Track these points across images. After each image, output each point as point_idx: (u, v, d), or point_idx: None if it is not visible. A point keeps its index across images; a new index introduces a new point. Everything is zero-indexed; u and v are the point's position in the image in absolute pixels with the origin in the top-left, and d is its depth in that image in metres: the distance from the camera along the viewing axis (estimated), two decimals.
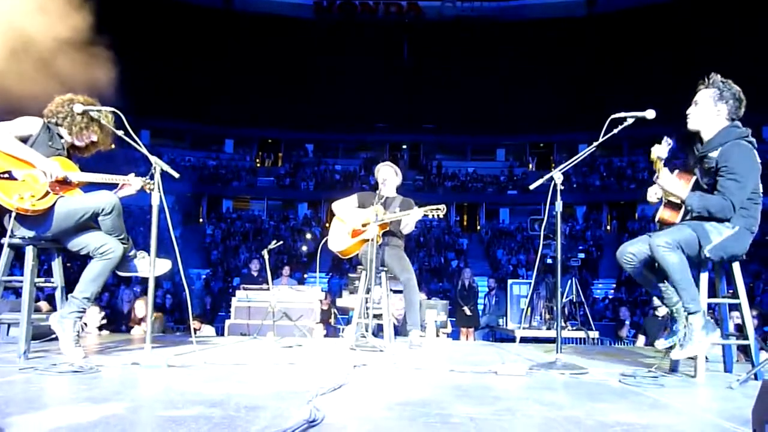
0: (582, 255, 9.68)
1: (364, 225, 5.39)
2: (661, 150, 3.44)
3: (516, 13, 32.83)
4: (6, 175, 3.45)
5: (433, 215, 5.17)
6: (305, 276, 21.20)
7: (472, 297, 12.00)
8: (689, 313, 3.34)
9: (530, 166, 34.89)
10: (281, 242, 7.59)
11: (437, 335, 7.31)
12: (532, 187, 3.90)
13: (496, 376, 3.33)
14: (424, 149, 35.71)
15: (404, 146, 36.25)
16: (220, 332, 8.45)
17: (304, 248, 26.67)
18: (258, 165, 35.46)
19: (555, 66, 30.45)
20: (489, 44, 30.88)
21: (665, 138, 3.48)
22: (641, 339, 7.89)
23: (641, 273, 3.64)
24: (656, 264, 3.42)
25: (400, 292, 5.94)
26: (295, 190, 33.13)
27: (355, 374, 3.28)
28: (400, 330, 6.73)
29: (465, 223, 33.65)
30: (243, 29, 31.50)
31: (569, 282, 8.94)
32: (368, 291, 5.06)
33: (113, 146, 3.97)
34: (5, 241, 3.54)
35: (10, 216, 3.49)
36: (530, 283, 8.93)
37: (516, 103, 30.55)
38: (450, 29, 32.39)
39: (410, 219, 5.30)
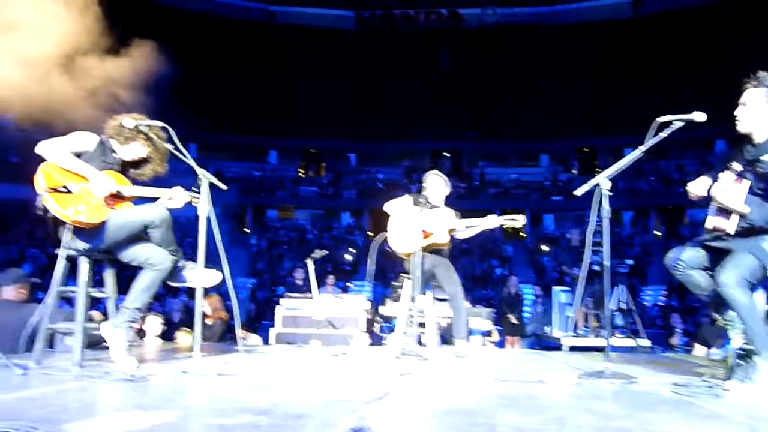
0: (630, 261, 9.44)
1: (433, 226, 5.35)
2: (697, 188, 3.37)
3: (559, 18, 32.44)
4: (63, 189, 3.57)
5: (511, 224, 5.23)
6: (349, 284, 21.26)
7: (517, 305, 11.85)
8: (756, 354, 3.20)
9: (574, 171, 34.35)
10: (326, 251, 7.64)
11: (482, 344, 7.24)
12: (577, 192, 3.83)
13: (543, 385, 3.27)
14: (465, 156, 35.52)
15: (445, 154, 36.14)
16: (265, 341, 8.54)
17: (348, 257, 26.80)
18: (301, 175, 35.84)
19: (599, 69, 29.94)
20: (531, 49, 30.55)
21: (702, 176, 3.41)
22: (700, 349, 7.51)
23: (691, 280, 3.53)
24: (707, 271, 3.32)
25: (444, 300, 5.91)
26: (337, 199, 33.35)
27: (401, 383, 3.27)
28: (445, 339, 6.69)
29: (508, 230, 33.29)
30: (285, 42, 31.94)
31: (618, 289, 8.74)
32: (413, 300, 5.05)
33: (166, 168, 4.05)
34: (61, 252, 3.65)
35: (66, 229, 3.59)
36: (576, 291, 8.77)
37: (559, 108, 30.11)
38: (491, 36, 32.20)
39: (483, 227, 5.32)
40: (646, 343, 8.52)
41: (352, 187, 33.53)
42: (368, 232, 31.15)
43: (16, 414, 2.23)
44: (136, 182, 4.01)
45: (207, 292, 5.94)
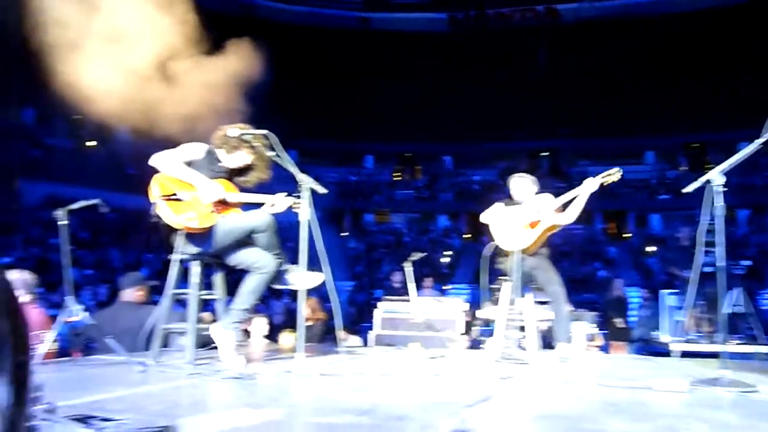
0: (747, 262, 8.83)
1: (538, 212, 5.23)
2: None
3: (660, 7, 30.90)
4: (174, 197, 3.80)
5: (608, 183, 5.02)
6: (447, 287, 21.19)
7: (622, 309, 11.38)
8: None
9: (683, 168, 32.56)
10: (424, 254, 7.66)
11: (586, 348, 7.01)
12: (687, 190, 3.63)
13: (653, 392, 3.13)
14: (564, 155, 34.52)
15: (543, 153, 35.28)
16: (365, 343, 8.66)
17: (445, 260, 26.72)
18: (397, 178, 36.11)
19: (707, 60, 28.26)
20: (631, 42, 29.28)
21: None
22: None
23: None
24: None
25: (545, 303, 5.77)
26: (434, 202, 33.33)
27: (502, 386, 3.23)
28: (546, 342, 6.53)
29: (611, 231, 32.04)
30: (380, 48, 32.32)
31: (733, 292, 8.20)
32: (512, 302, 4.97)
33: (269, 175, 4.20)
34: (175, 257, 3.87)
35: (179, 235, 3.80)
36: (687, 294, 8.31)
37: (664, 103, 28.67)
38: (588, 30, 31.14)
39: (584, 194, 5.12)
40: (765, 349, 7.93)
41: (448, 189, 33.41)
42: (465, 235, 30.94)
43: (138, 408, 2.39)
44: (241, 189, 4.19)
45: (307, 294, 6.12)
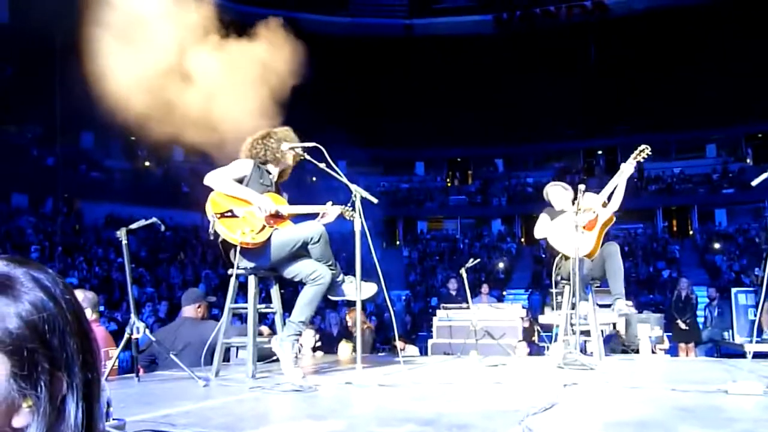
0: None
1: (586, 211, 5.15)
2: None
3: None
4: (229, 214, 3.89)
5: (641, 158, 4.95)
6: (504, 293, 20.96)
7: (689, 309, 11.03)
8: None
9: (747, 160, 31.35)
10: (478, 260, 7.60)
11: (653, 351, 6.81)
12: (754, 183, 3.50)
13: (727, 396, 3.01)
14: (621, 152, 33.71)
15: (599, 152, 34.57)
16: (423, 352, 8.64)
17: (501, 265, 26.44)
18: (449, 184, 35.98)
19: None
20: (687, 32, 28.45)
21: None
22: None
23: None
24: None
25: (607, 306, 5.64)
26: (487, 207, 33.07)
27: (566, 393, 3.17)
28: (609, 346, 6.38)
29: (674, 229, 31.09)
30: (426, 53, 32.35)
31: None
32: (573, 307, 4.87)
33: (300, 156, 4.24)
34: (233, 272, 3.95)
35: (235, 250, 3.88)
36: (762, 292, 7.98)
37: (723, 92, 27.68)
38: (639, 22, 30.41)
39: (623, 180, 5.04)
40: None
41: (501, 193, 33.10)
42: (520, 239, 30.56)
43: (202, 422, 2.44)
44: (290, 201, 4.26)
45: (352, 304, 6.15)
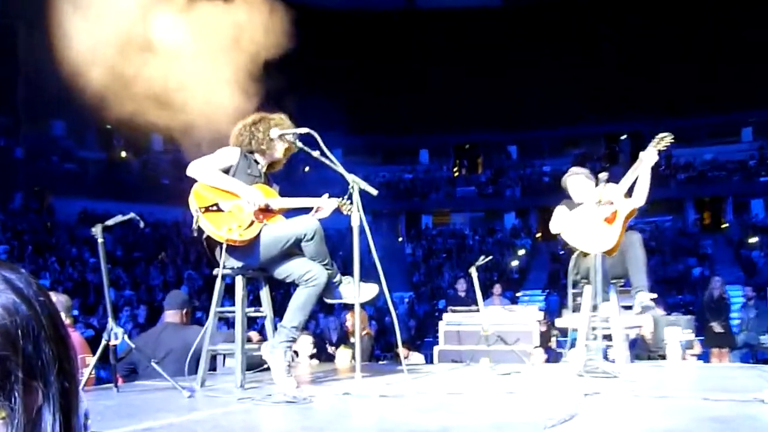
0: None
1: (605, 204, 5.15)
2: None
3: None
4: (214, 208, 3.89)
5: (662, 146, 4.94)
6: (518, 294, 21.00)
7: (723, 310, 11.04)
8: None
9: None
10: (489, 257, 7.61)
11: (682, 357, 6.83)
12: None
13: (764, 405, 3.03)
14: (647, 138, 33.68)
15: (623, 136, 34.53)
16: (428, 359, 8.66)
17: (515, 263, 26.47)
18: (456, 174, 35.98)
19: None
20: (719, 5, 28.38)
21: None
22: None
23: None
24: None
25: (630, 308, 5.66)
26: (499, 199, 33.08)
27: (587, 404, 3.18)
28: (634, 350, 6.40)
29: (706, 221, 31.10)
30: (428, 28, 32.28)
31: None
32: (594, 308, 4.89)
33: (297, 147, 4.24)
34: (219, 272, 3.96)
35: (221, 248, 3.89)
36: None
37: (762, 71, 27.64)
38: None
39: (646, 169, 5.04)
40: None
41: (515, 183, 33.11)
42: (537, 234, 30.56)
43: None
44: (281, 193, 4.26)
45: (350, 308, 6.17)
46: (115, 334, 3.73)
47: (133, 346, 4.08)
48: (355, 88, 29.84)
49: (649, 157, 5.07)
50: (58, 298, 4.52)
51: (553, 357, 7.96)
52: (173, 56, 4.58)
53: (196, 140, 4.57)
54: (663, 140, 5.02)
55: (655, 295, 5.23)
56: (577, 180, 5.54)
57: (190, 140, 4.62)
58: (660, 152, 5.05)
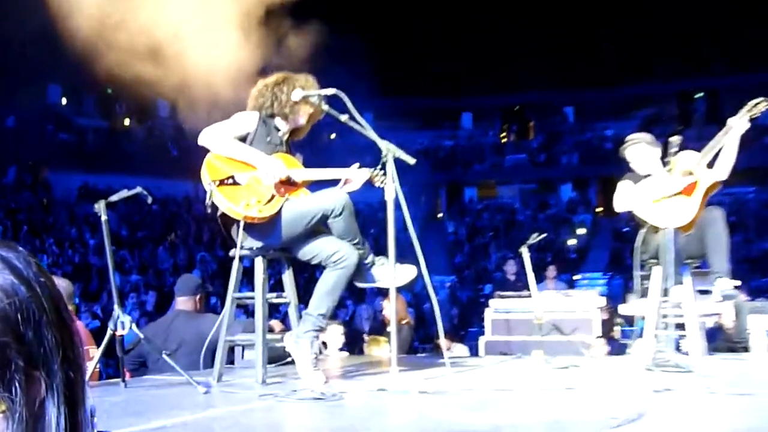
0: None
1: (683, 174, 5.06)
2: None
3: None
4: (230, 181, 3.91)
5: (756, 113, 4.83)
6: (576, 277, 20.85)
7: None
8: None
9: None
10: (543, 235, 7.56)
11: None
12: None
13: None
14: (725, 96, 32.99)
15: (697, 95, 33.84)
16: (473, 352, 8.68)
17: (572, 241, 26.27)
18: (504, 140, 35.67)
19: None
20: None
21: None
22: None
23: None
24: None
25: (707, 292, 5.59)
26: (554, 167, 32.72)
27: (657, 401, 3.17)
28: (712, 342, 6.33)
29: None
30: None
31: None
32: (665, 293, 4.84)
33: (324, 110, 4.22)
34: (235, 253, 3.98)
35: (238, 226, 3.90)
36: None
37: None
38: None
39: (733, 139, 4.95)
40: None
41: (572, 150, 32.72)
42: (597, 209, 30.26)
43: None
44: (305, 163, 4.26)
45: (385, 293, 6.14)
46: (122, 324, 3.78)
47: (141, 336, 4.14)
48: (387, 42, 29.62)
49: (739, 125, 4.94)
50: (59, 283, 4.60)
51: (616, 349, 7.91)
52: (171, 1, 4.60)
53: (197, 100, 4.59)
54: (757, 106, 4.87)
55: (738, 282, 5.15)
56: (638, 149, 5.43)
57: (191, 101, 4.64)
58: (752, 120, 4.90)
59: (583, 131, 33.61)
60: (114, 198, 4.13)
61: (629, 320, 8.07)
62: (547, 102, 34.80)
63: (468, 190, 33.86)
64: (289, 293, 4.20)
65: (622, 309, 7.84)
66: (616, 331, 8.58)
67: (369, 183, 4.24)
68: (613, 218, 26.02)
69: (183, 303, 5.33)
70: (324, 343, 7.00)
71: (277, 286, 4.31)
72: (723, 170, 5.04)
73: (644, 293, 5.52)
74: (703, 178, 5.00)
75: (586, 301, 7.40)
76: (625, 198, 5.29)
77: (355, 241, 4.00)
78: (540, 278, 10.04)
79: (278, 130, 4.22)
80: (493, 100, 35.03)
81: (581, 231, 27.92)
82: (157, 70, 4.58)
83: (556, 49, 30.46)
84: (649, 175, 5.26)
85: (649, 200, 5.16)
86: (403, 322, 7.94)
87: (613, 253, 24.63)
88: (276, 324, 6.61)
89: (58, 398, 0.81)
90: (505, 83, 32.72)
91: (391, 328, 3.87)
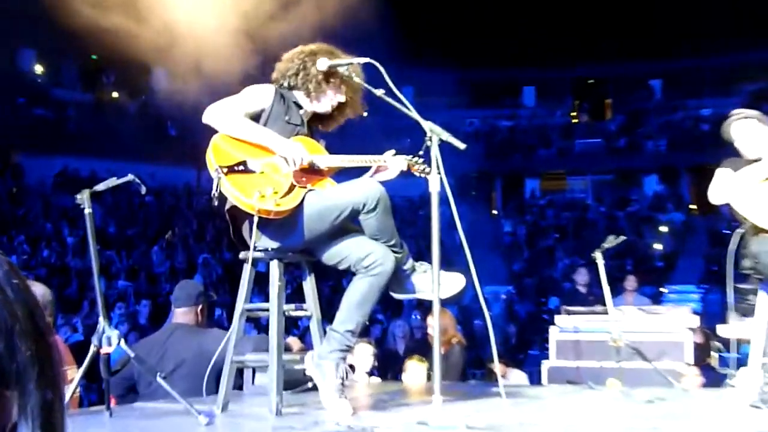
0: None
1: None
2: None
3: None
4: (241, 167, 3.90)
5: None
6: (663, 290, 20.68)
7: None
8: None
9: None
10: (622, 238, 7.51)
11: None
12: None
13: None
14: None
15: None
16: (534, 379, 8.65)
17: (659, 246, 26.04)
18: (575, 121, 35.46)
19: None
20: None
21: None
22: None
23: None
24: None
25: None
26: (636, 155, 32.45)
27: None
28: None
29: None
30: None
31: None
32: None
33: (365, 112, 4.23)
34: (246, 255, 3.98)
35: (251, 223, 3.89)
36: None
37: None
38: None
39: None
40: None
41: (659, 134, 32.44)
42: (690, 205, 29.97)
43: None
44: (330, 148, 4.26)
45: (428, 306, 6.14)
46: (108, 339, 3.80)
47: (131, 354, 4.16)
48: (433, 5, 29.62)
49: None
50: (35, 290, 4.66)
51: (713, 380, 7.84)
52: None
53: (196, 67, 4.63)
54: None
55: None
56: (746, 125, 5.34)
57: (189, 66, 4.69)
58: None
59: (673, 110, 33.29)
60: (100, 187, 4.16)
61: (729, 344, 8.00)
62: (629, 74, 34.54)
63: (529, 181, 33.77)
64: (311, 305, 4.20)
65: (721, 330, 7.76)
66: (713, 358, 8.50)
67: (408, 173, 4.22)
68: (709, 217, 25.77)
69: (182, 315, 5.36)
70: (351, 366, 7.01)
71: (296, 295, 4.33)
72: None
73: (747, 311, 5.46)
74: None
75: (676, 319, 7.36)
76: (723, 188, 5.19)
77: (392, 243, 3.98)
78: (617, 290, 10.00)
79: (299, 107, 4.21)
80: (562, 73, 34.86)
81: (669, 232, 27.63)
82: (149, 30, 4.62)
83: (640, 12, 30.23)
84: (757, 160, 5.16)
85: (752, 191, 5.06)
86: (454, 341, 7.94)
87: (709, 261, 24.35)
88: (294, 342, 6.64)
89: (34, 422, 0.81)
90: (576, 52, 32.50)
91: (434, 348, 3.86)
